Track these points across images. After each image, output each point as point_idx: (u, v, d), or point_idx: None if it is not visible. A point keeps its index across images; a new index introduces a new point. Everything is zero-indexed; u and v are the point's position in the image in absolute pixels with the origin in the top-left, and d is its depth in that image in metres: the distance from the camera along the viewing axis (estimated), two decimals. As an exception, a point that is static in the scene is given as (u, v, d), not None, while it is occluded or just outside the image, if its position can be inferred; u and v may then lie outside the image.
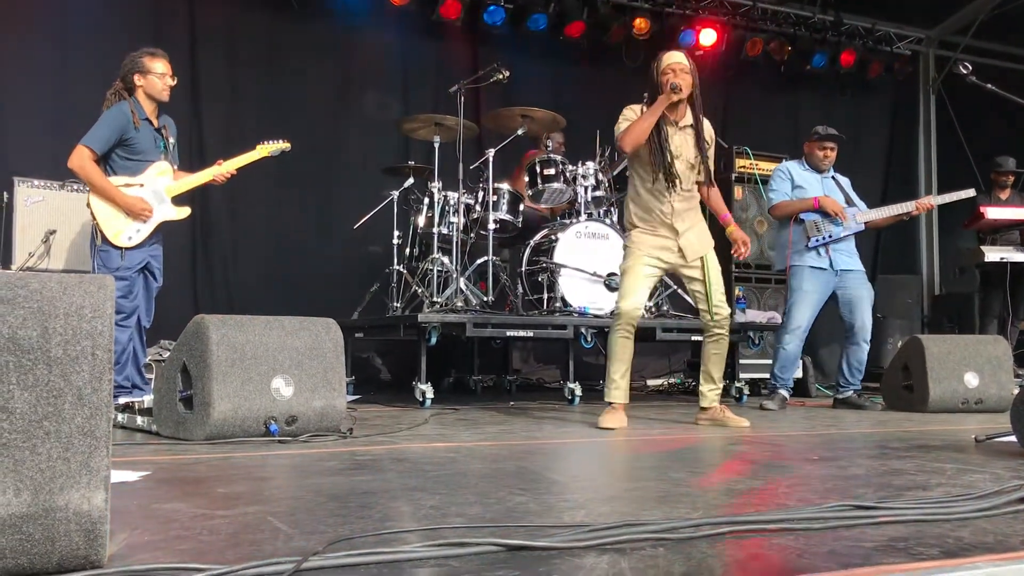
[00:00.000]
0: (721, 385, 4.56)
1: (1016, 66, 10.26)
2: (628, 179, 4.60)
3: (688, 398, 6.73)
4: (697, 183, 4.53)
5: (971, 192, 6.20)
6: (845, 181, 6.03)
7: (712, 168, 4.55)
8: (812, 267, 5.74)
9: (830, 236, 5.74)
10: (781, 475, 2.82)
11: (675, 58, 4.36)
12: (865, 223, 5.84)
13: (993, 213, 6.98)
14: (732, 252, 4.63)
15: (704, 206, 4.65)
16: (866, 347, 5.77)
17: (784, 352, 5.80)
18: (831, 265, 5.75)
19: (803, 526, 1.91)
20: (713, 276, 4.46)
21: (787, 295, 5.86)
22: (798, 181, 5.89)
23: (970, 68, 3.81)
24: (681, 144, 4.39)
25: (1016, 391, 3.90)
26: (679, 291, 6.45)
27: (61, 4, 6.72)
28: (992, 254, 6.91)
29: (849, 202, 5.91)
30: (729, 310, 4.52)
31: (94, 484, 1.53)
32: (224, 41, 7.33)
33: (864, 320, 5.74)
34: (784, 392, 5.80)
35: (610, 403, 4.37)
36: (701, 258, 4.46)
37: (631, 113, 4.40)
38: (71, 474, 1.52)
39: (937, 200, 6.29)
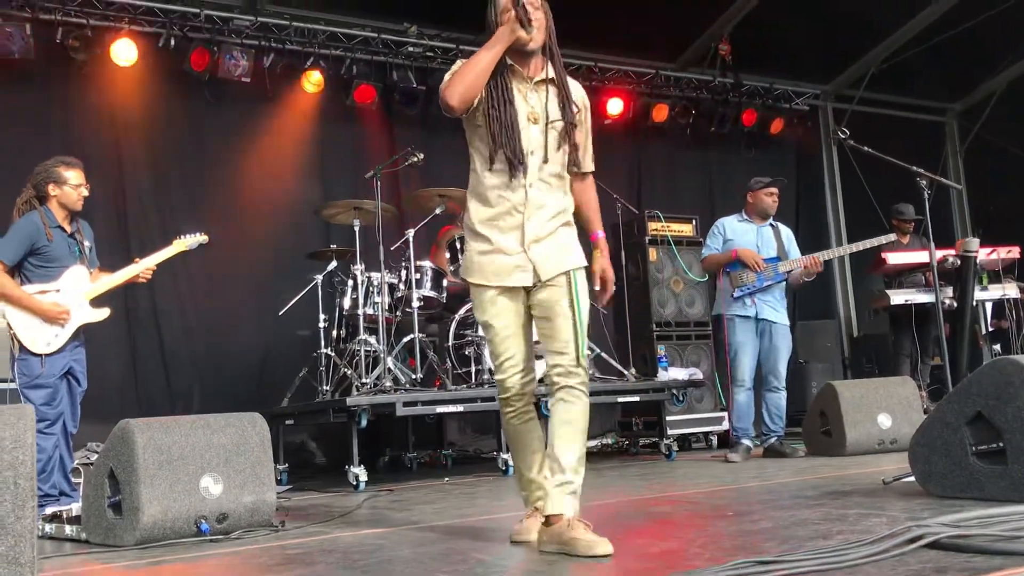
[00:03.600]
0: (577, 479, 2.92)
1: (907, 114, 10.89)
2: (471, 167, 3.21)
3: (623, 459, 6.87)
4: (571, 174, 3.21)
5: (892, 237, 6.55)
6: (786, 231, 6.35)
7: (588, 151, 3.26)
8: (740, 316, 6.07)
9: (753, 286, 6.05)
10: (696, 534, 2.96)
11: None
12: (786, 273, 6.10)
13: (894, 258, 7.35)
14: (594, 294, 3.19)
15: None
16: (783, 393, 6.06)
17: (736, 403, 6.09)
18: (756, 315, 6.07)
19: (706, 587, 2.04)
20: (581, 305, 3.02)
21: (727, 348, 6.12)
22: (729, 235, 6.24)
23: (847, 133, 4.10)
24: (538, 104, 3.12)
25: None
26: (603, 354, 6.62)
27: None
28: (897, 297, 7.25)
29: (782, 253, 6.20)
30: (579, 358, 2.98)
31: (19, 610, 1.59)
32: (145, 133, 7.38)
33: (779, 369, 6.05)
34: (747, 442, 6.02)
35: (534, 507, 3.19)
36: (565, 277, 3.03)
37: (458, 65, 3.12)
38: (-5, 603, 1.58)
39: (850, 249, 6.58)
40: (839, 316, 10.44)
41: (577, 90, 3.22)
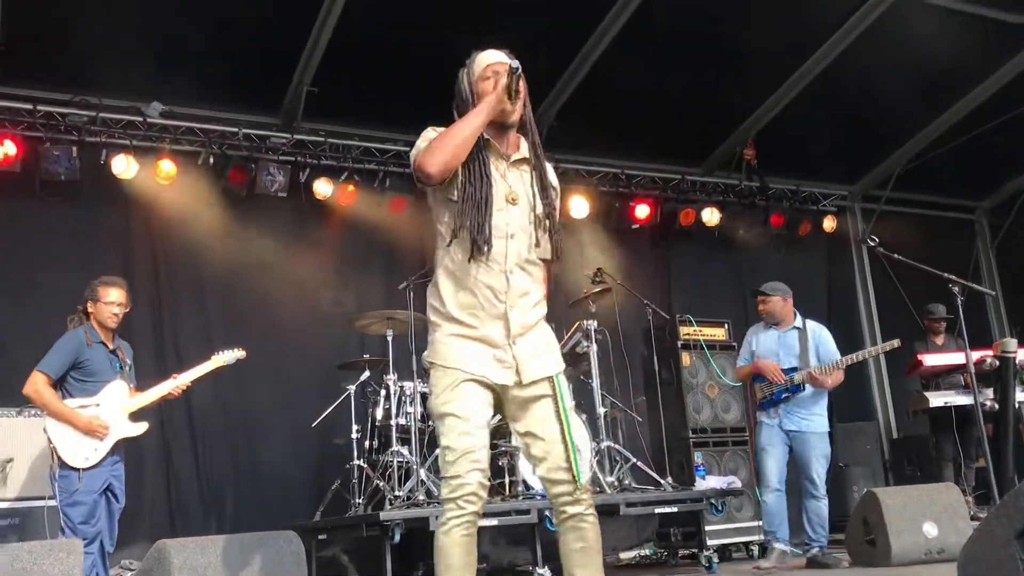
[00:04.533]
0: None
1: (935, 212, 10.91)
2: (437, 244, 2.98)
3: (662, 571, 6.71)
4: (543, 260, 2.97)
5: (896, 343, 6.31)
6: (815, 333, 6.22)
7: (558, 243, 2.98)
8: (765, 423, 6.12)
9: (772, 397, 6.07)
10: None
11: (497, 57, 2.96)
12: (801, 384, 6.02)
13: (930, 360, 7.28)
14: None
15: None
16: (823, 500, 5.95)
17: (765, 507, 6.06)
18: (780, 425, 6.06)
19: None
20: (570, 415, 2.83)
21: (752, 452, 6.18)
22: (754, 346, 6.33)
23: (876, 241, 4.13)
24: (516, 184, 2.92)
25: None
26: (638, 463, 6.54)
27: (20, 226, 6.94)
28: (936, 399, 7.14)
29: (804, 360, 6.08)
30: (578, 480, 2.85)
31: None
32: (183, 247, 7.49)
33: (814, 477, 5.94)
34: (780, 546, 5.91)
35: None
36: (549, 383, 2.85)
37: (432, 132, 2.93)
38: None
39: (860, 356, 6.47)
40: (878, 418, 10.25)
41: (551, 175, 3.03)
